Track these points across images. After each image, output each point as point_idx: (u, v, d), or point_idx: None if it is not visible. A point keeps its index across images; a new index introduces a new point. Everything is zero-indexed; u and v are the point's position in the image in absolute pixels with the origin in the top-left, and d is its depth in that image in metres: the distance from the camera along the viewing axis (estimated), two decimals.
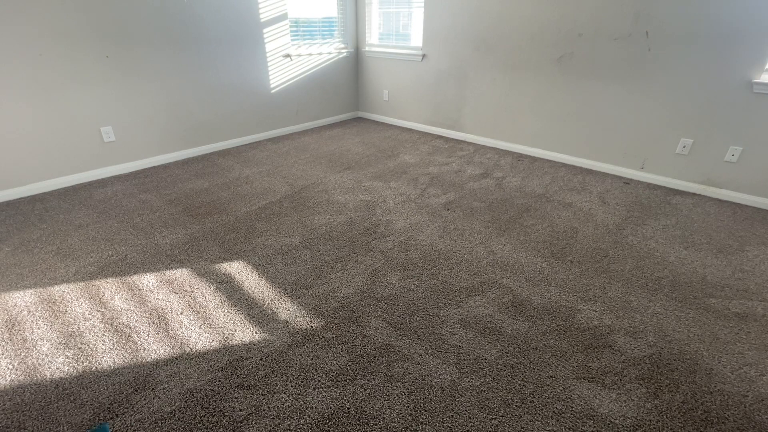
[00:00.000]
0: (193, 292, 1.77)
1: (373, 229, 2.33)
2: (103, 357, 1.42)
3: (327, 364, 1.42)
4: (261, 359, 1.43)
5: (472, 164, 3.42)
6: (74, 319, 1.59)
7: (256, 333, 1.54)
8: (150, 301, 1.70)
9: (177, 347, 1.47)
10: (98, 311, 1.64)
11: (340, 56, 4.46)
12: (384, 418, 1.22)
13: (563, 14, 3.08)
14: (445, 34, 3.80)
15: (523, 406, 1.27)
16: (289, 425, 1.20)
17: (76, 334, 1.52)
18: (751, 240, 2.28)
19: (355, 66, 4.69)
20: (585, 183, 3.06)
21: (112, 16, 2.72)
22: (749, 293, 1.83)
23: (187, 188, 2.83)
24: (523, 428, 1.20)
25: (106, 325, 1.56)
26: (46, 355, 1.42)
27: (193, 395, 1.29)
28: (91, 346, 1.46)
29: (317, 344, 1.50)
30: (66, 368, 1.37)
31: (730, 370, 1.42)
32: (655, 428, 1.21)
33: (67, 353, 1.43)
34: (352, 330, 1.57)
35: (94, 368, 1.37)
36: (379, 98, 4.69)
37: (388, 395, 1.30)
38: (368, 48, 4.52)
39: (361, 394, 1.30)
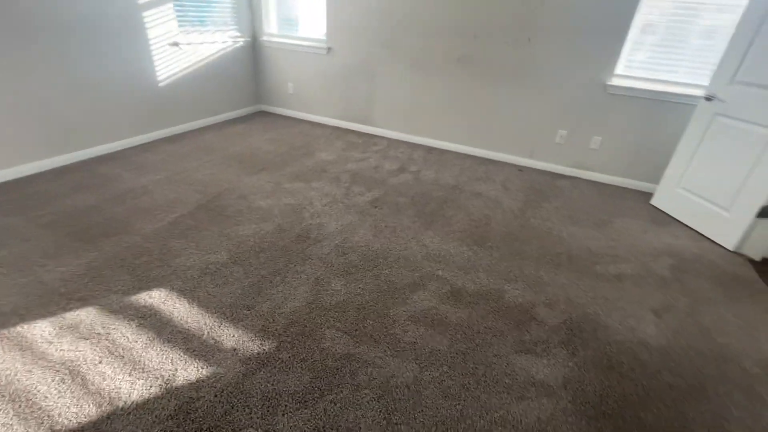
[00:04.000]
0: (109, 334, 1.51)
1: (305, 234, 2.27)
2: None
3: (290, 385, 1.37)
4: (215, 396, 1.31)
5: (388, 159, 3.54)
6: None
7: (201, 368, 1.40)
8: (52, 355, 1.40)
9: (105, 404, 1.25)
10: None
11: (237, 45, 4.10)
12: (360, 427, 1.25)
13: (462, 18, 3.33)
14: (352, 29, 3.79)
15: (479, 387, 1.42)
16: None
17: None
18: (616, 213, 2.85)
19: (253, 56, 4.37)
20: (489, 172, 3.42)
21: None
22: (620, 258, 2.31)
23: (66, 206, 2.34)
24: (482, 407, 1.35)
25: None
26: None
27: None
28: None
29: (274, 367, 1.43)
30: None
31: (618, 323, 1.79)
32: (578, 381, 1.47)
33: None
34: (308, 345, 1.54)
35: None
36: (283, 91, 4.47)
37: (359, 404, 1.32)
38: (267, 38, 4.24)
39: (332, 410, 1.30)
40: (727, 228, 2.48)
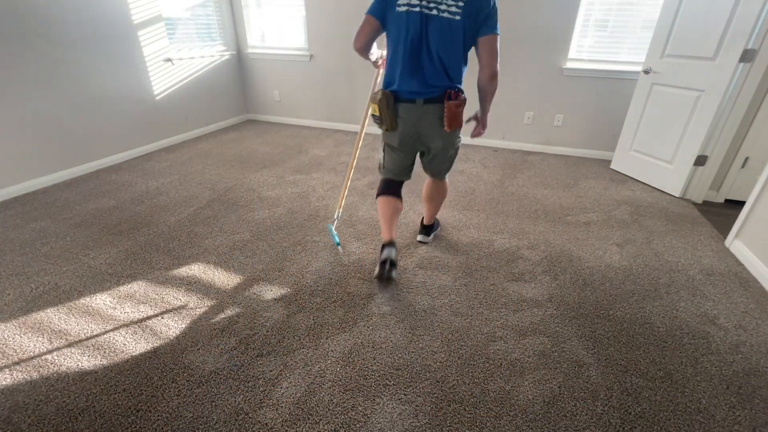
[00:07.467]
0: (163, 298, 1.75)
1: (315, 214, 2.55)
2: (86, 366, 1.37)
3: (328, 319, 1.64)
4: (267, 331, 1.57)
5: (376, 151, 3.85)
6: (34, 353, 1.44)
7: (251, 314, 1.66)
8: (119, 316, 1.63)
9: (177, 345, 1.49)
10: (59, 340, 1.51)
11: (223, 59, 4.36)
12: (391, 341, 1.54)
13: None
14: (330, 35, 4.12)
15: (481, 306, 1.74)
16: (319, 368, 1.41)
17: (50, 363, 1.40)
18: (581, 177, 3.26)
19: (239, 68, 4.64)
20: (468, 154, 3.79)
21: None
22: (587, 209, 2.69)
23: (89, 209, 2.54)
24: (486, 319, 1.66)
25: (80, 349, 1.47)
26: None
27: (217, 375, 1.38)
28: (75, 363, 1.38)
29: (312, 308, 1.71)
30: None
31: (589, 255, 2.15)
32: (560, 296, 1.81)
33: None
34: (336, 291, 1.82)
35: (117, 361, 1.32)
36: (270, 99, 4.74)
37: (387, 325, 1.61)
38: (251, 50, 4.52)
39: (366, 332, 1.58)
40: (672, 178, 2.91)
